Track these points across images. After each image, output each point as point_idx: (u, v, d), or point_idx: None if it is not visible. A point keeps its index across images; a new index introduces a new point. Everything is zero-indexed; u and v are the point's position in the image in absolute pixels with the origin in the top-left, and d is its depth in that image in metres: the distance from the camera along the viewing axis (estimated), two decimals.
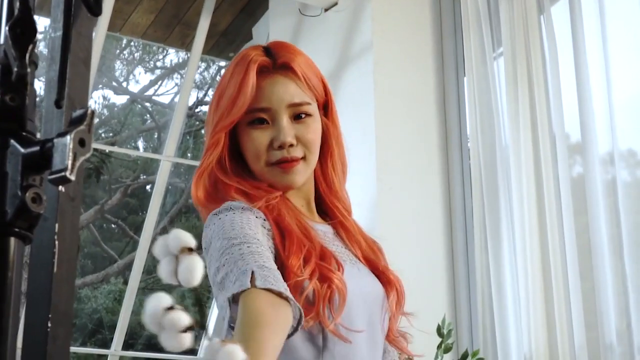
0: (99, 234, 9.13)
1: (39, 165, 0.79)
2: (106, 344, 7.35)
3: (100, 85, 8.87)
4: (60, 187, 0.88)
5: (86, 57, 0.97)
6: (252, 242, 1.53)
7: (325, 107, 1.87)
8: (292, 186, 1.77)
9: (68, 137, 0.79)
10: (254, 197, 1.71)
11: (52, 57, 0.93)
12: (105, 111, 9.19)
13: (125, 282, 7.52)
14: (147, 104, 9.76)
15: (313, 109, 1.80)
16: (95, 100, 8.86)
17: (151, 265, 9.20)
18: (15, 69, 0.79)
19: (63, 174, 0.77)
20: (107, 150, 8.72)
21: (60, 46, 0.92)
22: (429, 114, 4.22)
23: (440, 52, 4.32)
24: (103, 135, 9.22)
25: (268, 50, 1.81)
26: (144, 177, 9.45)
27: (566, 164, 3.64)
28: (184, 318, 0.87)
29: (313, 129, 1.78)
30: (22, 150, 0.79)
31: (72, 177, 0.78)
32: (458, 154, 4.18)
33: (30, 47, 0.80)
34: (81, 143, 0.79)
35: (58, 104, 0.88)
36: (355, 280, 1.69)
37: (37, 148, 0.79)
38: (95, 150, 8.46)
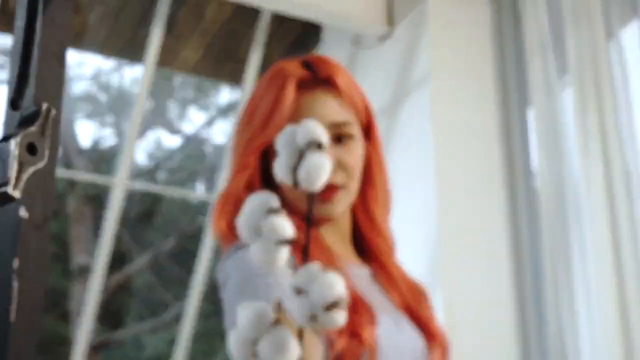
0: (156, 279, 9.02)
1: None
2: None
3: (154, 126, 8.80)
4: (22, 212, 0.69)
5: (60, 52, 0.78)
6: (278, 275, 1.36)
7: (367, 130, 1.66)
8: (331, 218, 1.58)
9: (13, 141, 0.60)
10: None
11: (17, 51, 0.75)
12: (158, 153, 9.10)
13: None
14: (202, 144, 9.67)
15: (355, 130, 1.60)
16: (148, 140, 8.78)
17: (206, 310, 9.08)
18: None
19: (4, 189, 0.58)
20: (162, 193, 8.61)
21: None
22: (492, 148, 4.00)
23: (502, 81, 4.11)
24: (159, 178, 9.14)
25: (307, 63, 1.62)
26: (202, 218, 9.34)
27: None
28: (287, 227, 0.74)
29: (355, 153, 1.59)
30: None
31: (16, 194, 0.58)
32: (524, 192, 3.95)
33: None
34: (30, 150, 0.60)
35: (15, 104, 0.69)
36: (392, 334, 1.48)
37: None
38: (149, 193, 8.37)
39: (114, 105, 8.94)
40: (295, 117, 1.54)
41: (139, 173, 8.36)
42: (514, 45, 4.12)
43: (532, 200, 3.91)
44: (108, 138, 9.03)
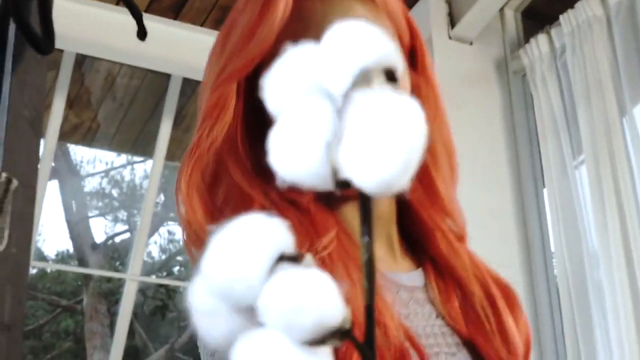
0: None
1: None
2: None
3: (167, 220, 8.78)
4: None
5: (35, 117, 0.71)
6: None
7: (412, 56, 1.09)
8: None
9: None
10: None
11: None
12: (171, 247, 9.05)
13: None
14: None
15: None
16: (161, 234, 8.74)
17: None
18: None
19: None
20: (174, 286, 8.52)
21: None
22: (509, 230, 3.92)
23: (516, 163, 4.04)
24: (172, 271, 9.07)
25: None
26: None
27: None
28: None
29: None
30: None
31: None
32: (543, 273, 3.85)
33: None
34: None
35: None
36: None
37: None
38: (161, 286, 8.29)
39: (126, 200, 8.96)
40: (300, 29, 0.97)
41: (152, 267, 8.31)
42: (526, 126, 4.07)
43: (552, 280, 3.81)
44: (121, 233, 9.03)
